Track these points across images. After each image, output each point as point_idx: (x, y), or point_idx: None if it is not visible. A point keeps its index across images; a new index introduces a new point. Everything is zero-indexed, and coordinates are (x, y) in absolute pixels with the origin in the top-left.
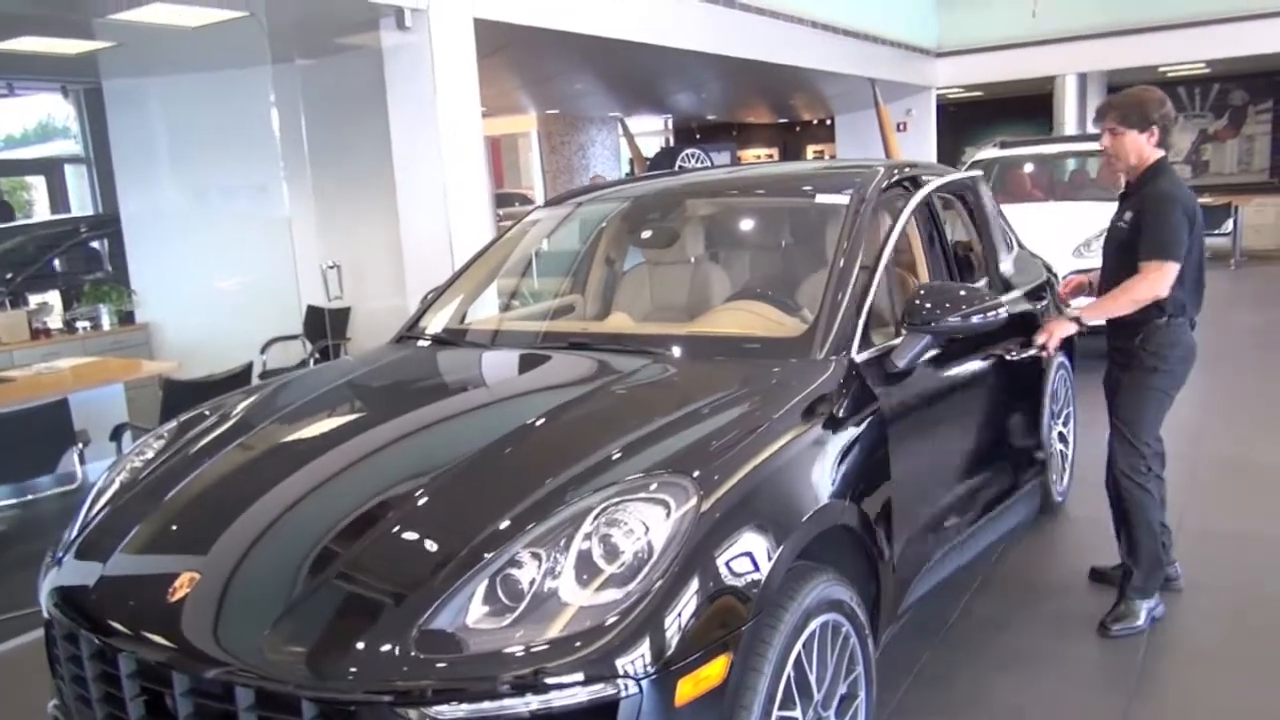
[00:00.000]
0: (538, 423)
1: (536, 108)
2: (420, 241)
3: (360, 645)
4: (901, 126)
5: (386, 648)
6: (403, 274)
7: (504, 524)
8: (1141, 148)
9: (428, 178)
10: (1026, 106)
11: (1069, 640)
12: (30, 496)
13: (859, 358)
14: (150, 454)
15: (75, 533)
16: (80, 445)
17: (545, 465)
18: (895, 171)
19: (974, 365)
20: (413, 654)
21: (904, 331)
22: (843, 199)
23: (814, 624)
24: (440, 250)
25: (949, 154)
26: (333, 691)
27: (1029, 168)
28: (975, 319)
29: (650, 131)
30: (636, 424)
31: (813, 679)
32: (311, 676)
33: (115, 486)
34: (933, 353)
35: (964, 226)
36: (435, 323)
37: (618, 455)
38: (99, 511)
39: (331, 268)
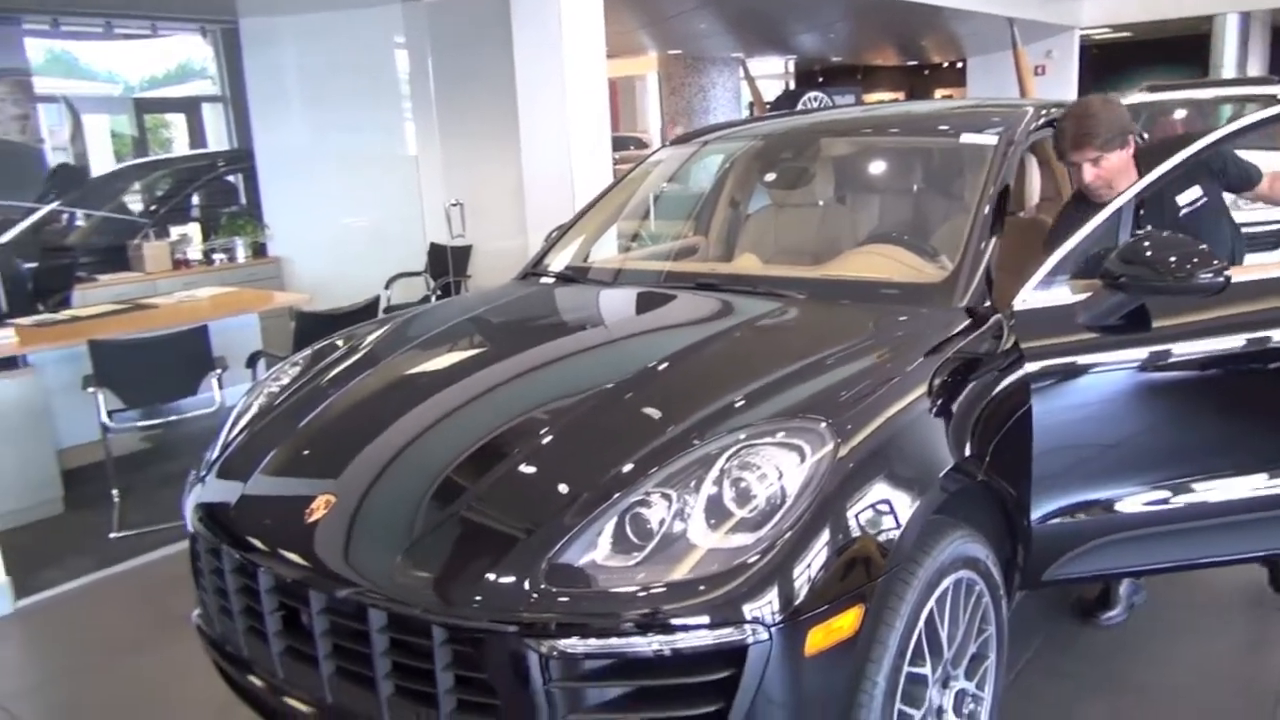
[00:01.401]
0: (660, 366)
1: (658, 48)
2: (542, 181)
3: (488, 576)
4: (1040, 70)
5: (514, 579)
6: (523, 213)
7: (627, 467)
8: (1128, 161)
9: (551, 117)
10: (1178, 49)
11: (1211, 628)
12: (174, 418)
13: (1020, 308)
14: (286, 380)
15: (217, 453)
16: (220, 370)
17: (669, 409)
18: (1045, 112)
19: (1185, 346)
20: (540, 586)
21: (1070, 287)
22: (989, 139)
23: (948, 581)
24: (561, 190)
25: None
26: (460, 618)
27: (1182, 114)
28: (1203, 279)
29: (771, 74)
30: (763, 369)
31: (944, 636)
32: (440, 603)
33: (254, 410)
34: (1120, 316)
35: None
36: (559, 260)
37: (742, 402)
38: (239, 433)
39: (454, 205)
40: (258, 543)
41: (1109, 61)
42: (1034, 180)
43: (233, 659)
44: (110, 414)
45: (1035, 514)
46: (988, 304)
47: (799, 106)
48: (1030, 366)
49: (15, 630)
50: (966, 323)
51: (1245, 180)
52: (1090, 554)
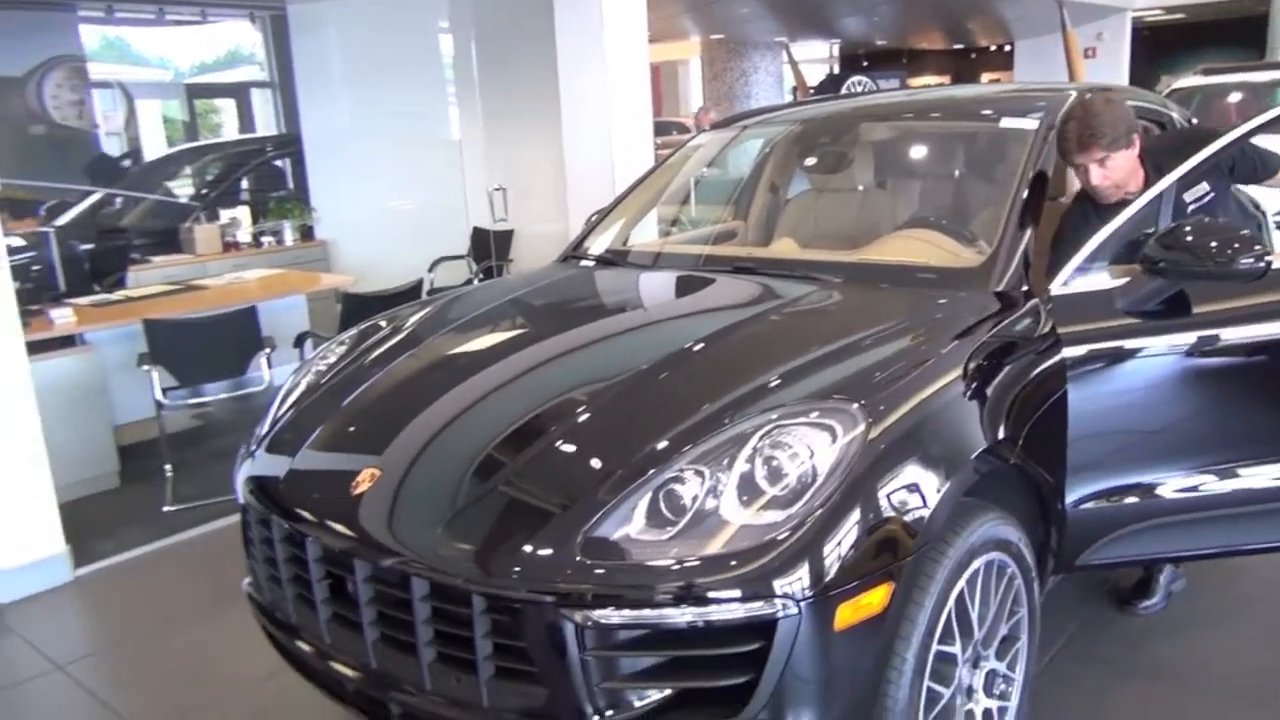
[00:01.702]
0: (696, 347)
1: (700, 32)
2: (583, 166)
3: (526, 548)
4: (1090, 53)
5: (551, 551)
6: (565, 198)
7: (662, 444)
8: (1134, 159)
9: (592, 102)
10: (1233, 30)
11: (1251, 616)
12: (223, 395)
13: (1057, 292)
14: (332, 359)
15: (266, 429)
16: (268, 350)
17: (703, 389)
18: (1089, 95)
19: (1226, 331)
20: (576, 559)
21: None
22: (1030, 123)
23: (978, 562)
24: (603, 175)
25: (1143, 83)
26: (499, 589)
27: (1236, 97)
28: (1244, 265)
29: (815, 58)
30: (797, 351)
31: (974, 617)
32: (480, 573)
33: (301, 388)
34: (1159, 301)
35: None
36: (599, 244)
37: (776, 382)
38: (287, 410)
39: (497, 190)
40: (305, 514)
41: (1161, 44)
42: None
43: (282, 625)
44: (164, 391)
45: (1070, 498)
46: (1025, 288)
47: (842, 91)
48: (1067, 351)
49: (74, 597)
50: (1002, 306)
51: (1258, 171)
52: (1126, 539)
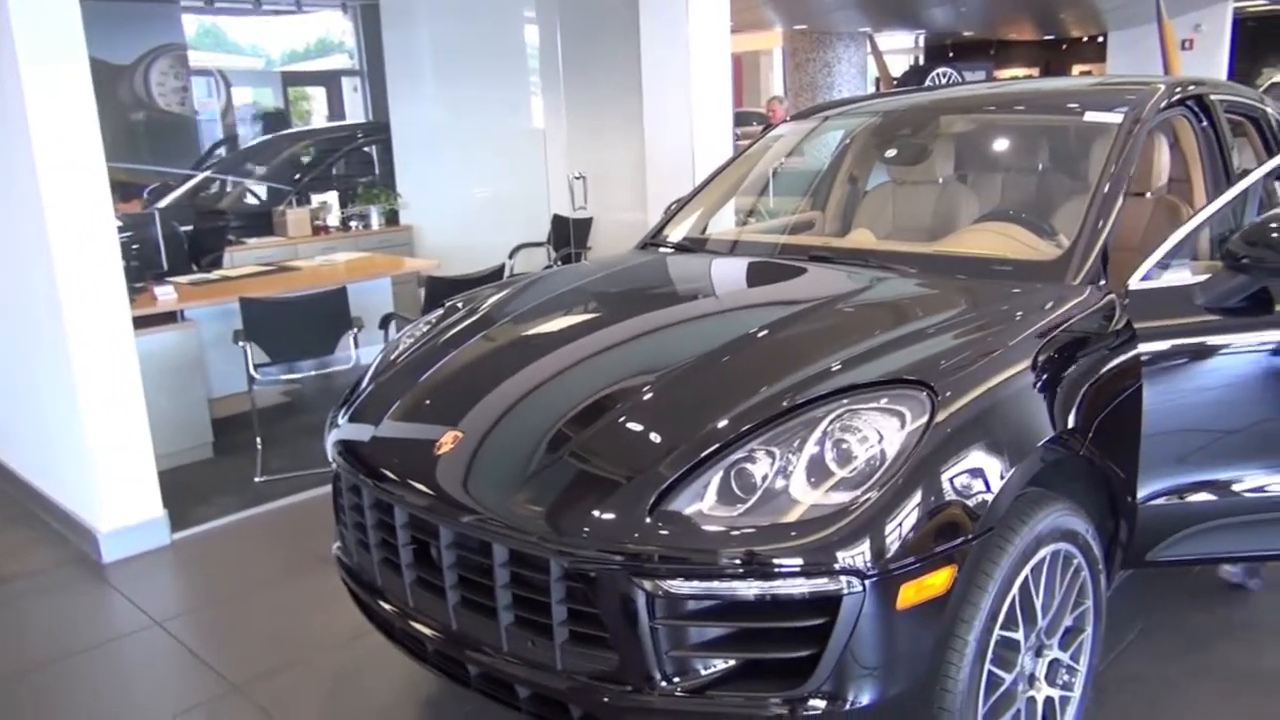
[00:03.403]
0: (760, 332)
1: (783, 23)
2: (664, 156)
3: (594, 512)
4: (1187, 44)
5: (617, 516)
6: (645, 187)
7: (722, 423)
8: None
9: (674, 92)
10: None
11: None
12: (312, 373)
13: (1135, 287)
14: (418, 336)
15: (353, 400)
16: (356, 330)
17: (763, 372)
18: (1178, 89)
19: None
20: (646, 528)
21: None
22: (1114, 117)
23: (1044, 551)
24: (682, 165)
25: (1244, 77)
26: (570, 548)
27: None
28: None
29: (900, 49)
30: (862, 338)
31: (1038, 605)
32: (551, 532)
33: (387, 363)
34: (1241, 298)
35: (1255, 155)
36: (677, 232)
37: (838, 367)
38: (373, 383)
39: (578, 178)
40: (390, 473)
41: (1265, 36)
42: (1162, 160)
43: (368, 587)
44: (256, 367)
45: (1142, 493)
46: (1102, 283)
47: (927, 83)
48: (1144, 346)
49: (171, 559)
50: (1078, 300)
51: None
52: (1198, 537)
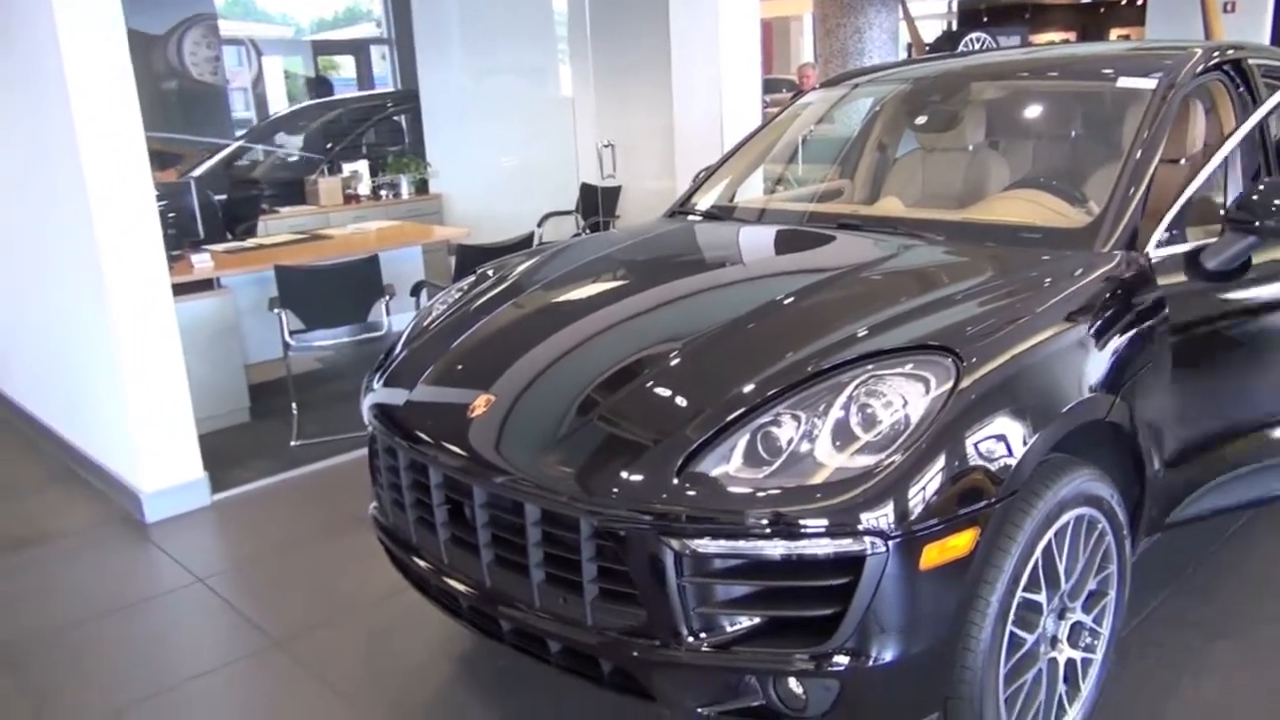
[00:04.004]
0: (787, 299)
1: None
2: (692, 123)
3: (623, 473)
4: (1229, 7)
5: (649, 478)
6: (673, 155)
7: (747, 388)
8: None
9: (703, 60)
10: None
11: None
12: (345, 340)
13: (1154, 254)
14: (450, 302)
15: (387, 365)
16: (388, 297)
17: (789, 338)
18: (1216, 54)
19: None
20: (674, 488)
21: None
22: (1148, 83)
23: (1068, 516)
24: (711, 133)
25: None
26: (599, 507)
27: None
28: None
29: (933, 14)
30: (887, 305)
31: (1061, 569)
32: (582, 491)
33: (420, 330)
34: (1244, 259)
35: None
36: (705, 200)
37: (864, 333)
38: (406, 349)
39: (606, 147)
40: (424, 435)
41: None
42: (1198, 126)
43: (404, 546)
44: (291, 334)
45: (1166, 457)
46: (1133, 250)
47: (960, 48)
48: (1169, 311)
49: (212, 519)
50: (1107, 267)
51: None
52: (1214, 492)
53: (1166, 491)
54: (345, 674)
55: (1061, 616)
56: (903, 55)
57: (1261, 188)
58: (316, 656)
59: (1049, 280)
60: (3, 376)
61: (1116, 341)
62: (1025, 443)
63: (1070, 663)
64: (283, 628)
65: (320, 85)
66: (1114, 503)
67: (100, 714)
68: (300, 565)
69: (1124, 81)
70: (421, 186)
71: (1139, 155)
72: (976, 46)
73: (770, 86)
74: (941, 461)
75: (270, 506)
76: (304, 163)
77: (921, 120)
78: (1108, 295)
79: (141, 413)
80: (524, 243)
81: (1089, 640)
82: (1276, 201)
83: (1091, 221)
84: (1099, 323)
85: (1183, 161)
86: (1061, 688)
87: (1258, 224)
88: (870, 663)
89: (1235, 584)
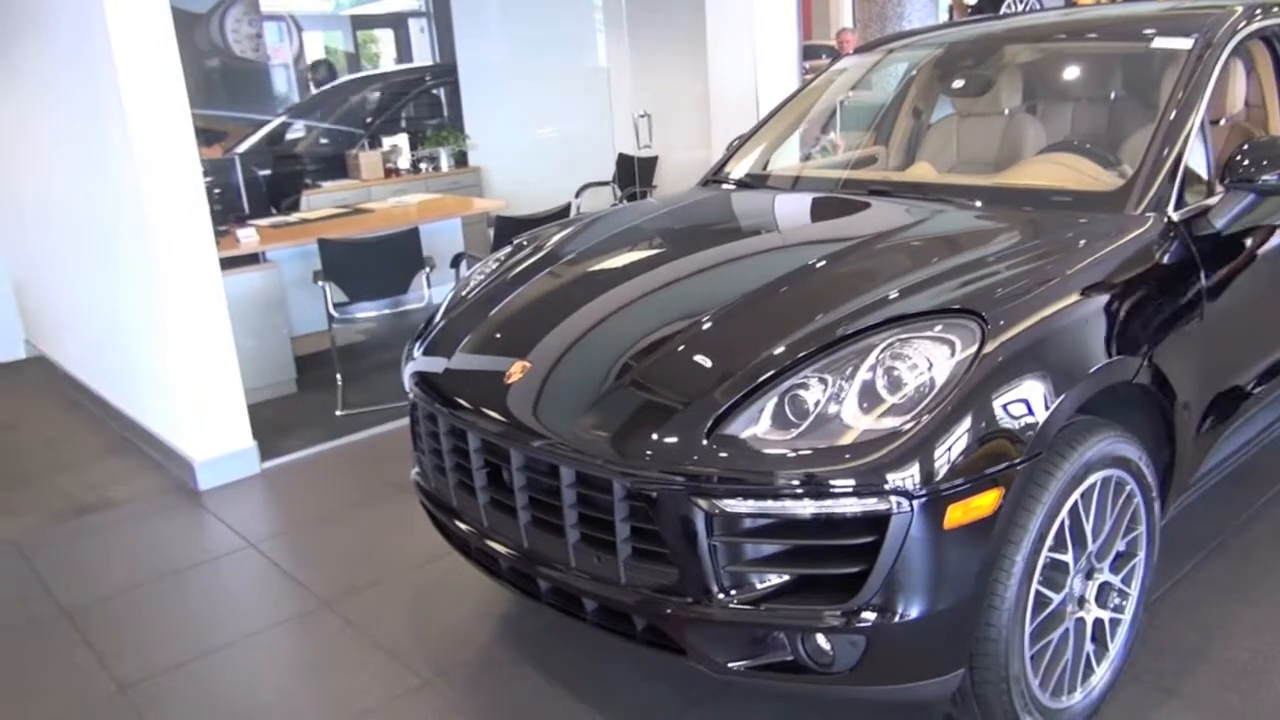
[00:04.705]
0: (819, 264)
1: None
2: (727, 92)
3: (654, 435)
4: None
5: (676, 440)
6: (709, 125)
7: (778, 350)
8: None
9: (738, 27)
10: None
11: None
12: (386, 311)
13: (1179, 216)
14: (488, 273)
15: (427, 334)
16: (428, 269)
17: (819, 302)
18: (1259, 12)
19: None
20: (704, 450)
21: (1220, 188)
22: (1185, 42)
23: (1095, 477)
24: (746, 101)
25: None
26: (633, 469)
27: None
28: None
29: None
30: (917, 269)
31: (1088, 529)
32: (615, 455)
33: (458, 300)
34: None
35: None
36: (739, 168)
37: (895, 296)
38: (446, 318)
39: (642, 117)
40: (463, 401)
41: None
42: (1238, 86)
43: (445, 510)
44: (335, 306)
45: (1194, 416)
46: (1164, 212)
47: (1002, 9)
48: (1199, 268)
49: (261, 486)
50: (1139, 230)
51: None
52: (1227, 440)
53: (1197, 449)
54: (391, 632)
55: (1089, 577)
56: (944, 18)
57: (1245, 147)
58: (363, 616)
59: (1082, 242)
60: (60, 351)
61: (1145, 304)
62: (1050, 405)
63: (1098, 622)
64: (330, 588)
65: (327, 70)
66: (1142, 464)
67: (161, 668)
68: (346, 530)
69: (1160, 42)
70: (460, 159)
71: (1173, 116)
72: (1020, 7)
73: (809, 53)
74: (966, 423)
75: (316, 474)
76: (346, 137)
77: (956, 85)
78: (1138, 257)
79: (192, 385)
80: (561, 214)
81: (1117, 601)
82: (1264, 159)
83: (1123, 184)
84: (1127, 285)
85: (1223, 122)
86: (1089, 647)
87: (1247, 181)
88: (896, 619)
89: (1269, 547)
